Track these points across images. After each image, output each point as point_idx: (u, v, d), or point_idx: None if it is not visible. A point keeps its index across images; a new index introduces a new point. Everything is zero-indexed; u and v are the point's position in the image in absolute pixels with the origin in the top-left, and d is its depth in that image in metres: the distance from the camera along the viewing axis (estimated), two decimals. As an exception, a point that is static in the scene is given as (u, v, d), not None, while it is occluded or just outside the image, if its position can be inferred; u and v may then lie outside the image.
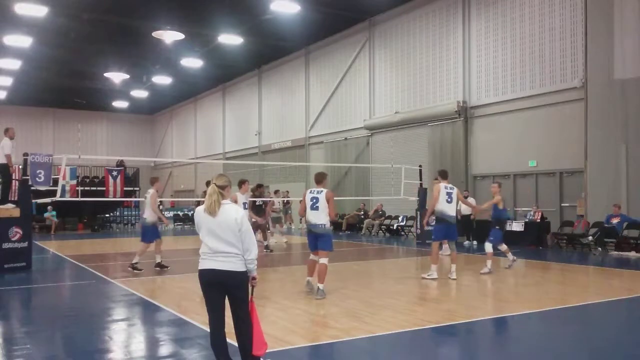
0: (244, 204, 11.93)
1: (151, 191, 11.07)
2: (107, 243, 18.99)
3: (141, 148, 44.99)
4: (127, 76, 30.35)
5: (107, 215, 27.64)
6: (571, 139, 15.90)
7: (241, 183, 12.25)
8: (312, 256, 8.50)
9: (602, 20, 14.86)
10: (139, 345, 5.87)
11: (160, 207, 26.34)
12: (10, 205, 11.86)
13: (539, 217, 15.79)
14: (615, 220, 13.92)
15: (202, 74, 31.15)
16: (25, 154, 11.98)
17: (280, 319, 6.74)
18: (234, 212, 4.34)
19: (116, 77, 30.43)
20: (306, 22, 22.47)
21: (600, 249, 13.95)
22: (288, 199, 18.85)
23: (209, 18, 21.83)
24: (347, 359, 5.42)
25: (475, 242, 16.22)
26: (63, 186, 14.31)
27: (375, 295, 8.30)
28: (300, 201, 8.64)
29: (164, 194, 41.24)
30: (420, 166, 18.69)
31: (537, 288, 9.13)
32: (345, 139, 24.81)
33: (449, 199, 10.03)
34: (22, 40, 22.77)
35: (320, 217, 8.21)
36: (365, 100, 23.81)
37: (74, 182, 18.91)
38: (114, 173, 18.66)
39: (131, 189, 25.57)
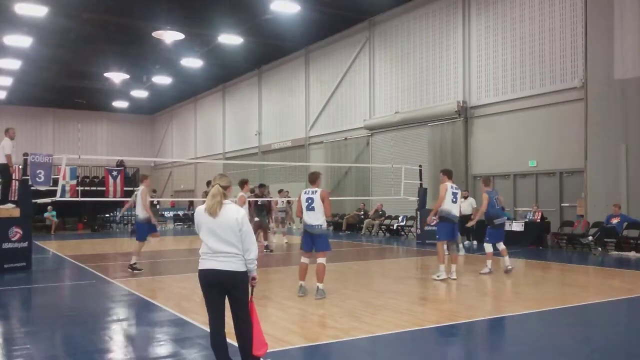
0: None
1: (141, 188, 11.10)
2: (107, 243, 18.99)
3: (141, 148, 44.99)
4: (127, 76, 30.35)
5: (107, 215, 27.65)
6: (571, 139, 15.90)
7: (243, 183, 12.27)
8: (303, 259, 8.38)
9: (602, 20, 14.86)
10: (139, 345, 5.86)
11: (158, 206, 26.39)
12: (10, 205, 11.87)
13: (539, 217, 15.79)
14: (615, 220, 13.92)
15: (202, 74, 31.15)
16: (25, 154, 11.98)
17: (280, 319, 6.74)
18: (235, 212, 4.34)
19: (116, 77, 30.42)
20: (306, 22, 22.47)
21: (600, 249, 13.95)
22: (290, 199, 18.86)
23: (209, 18, 21.83)
24: (347, 359, 5.41)
25: (475, 242, 16.23)
26: (63, 186, 14.31)
27: (375, 295, 8.29)
28: (289, 202, 8.64)
29: (164, 194, 41.29)
30: (420, 166, 18.70)
31: (537, 288, 9.13)
32: (345, 139, 24.82)
33: (454, 199, 9.98)
34: (22, 40, 22.75)
35: (317, 218, 8.17)
36: (365, 100, 23.81)
37: (74, 182, 18.89)
38: (114, 173, 18.66)
39: (131, 189, 25.48)
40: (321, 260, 8.20)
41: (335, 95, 25.72)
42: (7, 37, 22.51)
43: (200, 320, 6.38)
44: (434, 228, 12.17)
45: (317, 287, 8.12)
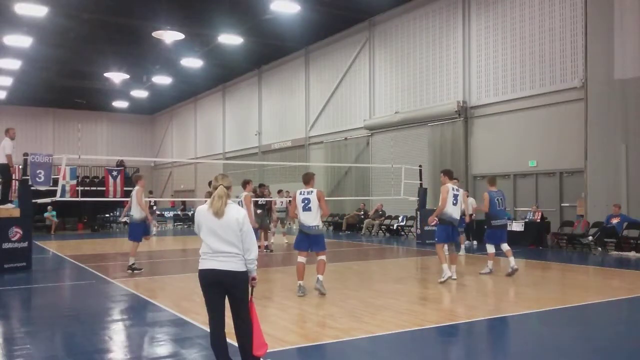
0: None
1: (136, 188, 11.09)
2: (107, 243, 18.98)
3: (141, 148, 45.00)
4: (127, 76, 30.35)
5: (107, 215, 27.65)
6: (571, 139, 15.90)
7: (245, 183, 12.24)
8: (300, 258, 8.42)
9: (602, 20, 14.86)
10: (139, 345, 5.86)
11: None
12: (10, 205, 11.87)
13: (539, 217, 15.79)
14: (615, 220, 13.92)
15: (202, 74, 31.16)
16: (25, 154, 11.98)
17: (280, 319, 6.74)
18: (236, 212, 4.34)
19: (116, 77, 30.43)
20: (306, 22, 22.47)
21: (600, 249, 13.96)
22: (290, 199, 18.78)
23: (209, 18, 21.84)
24: (347, 359, 5.41)
25: (475, 242, 16.23)
26: (63, 186, 14.31)
27: (375, 295, 8.29)
28: (290, 202, 8.65)
29: (164, 194, 41.29)
30: (420, 166, 18.70)
31: (537, 288, 9.13)
32: (345, 139, 24.82)
33: (455, 201, 9.84)
34: (22, 40, 22.76)
35: (315, 219, 8.24)
36: (365, 100, 23.81)
37: (74, 182, 18.88)
38: (114, 173, 18.64)
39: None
40: (322, 257, 8.32)
41: (335, 95, 25.72)
42: (7, 37, 22.51)
43: (200, 320, 6.38)
44: (434, 228, 12.13)
45: (318, 277, 8.23)
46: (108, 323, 6.88)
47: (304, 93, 27.83)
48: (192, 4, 20.62)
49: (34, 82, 32.62)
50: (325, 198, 8.61)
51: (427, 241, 16.34)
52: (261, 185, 16.68)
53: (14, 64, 27.42)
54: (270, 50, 27.70)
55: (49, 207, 23.50)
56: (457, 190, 10.07)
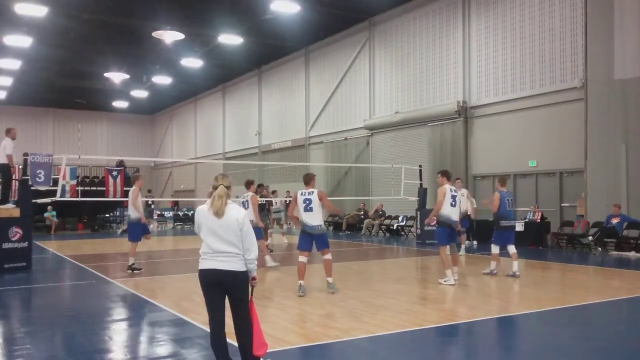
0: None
1: (132, 187, 11.08)
2: (107, 243, 18.98)
3: (141, 148, 45.00)
4: (127, 76, 30.35)
5: (107, 215, 27.64)
6: (571, 139, 15.90)
7: (249, 183, 12.15)
8: (301, 258, 8.47)
9: (602, 20, 14.86)
10: (139, 345, 5.86)
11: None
12: (10, 205, 11.86)
13: (539, 217, 15.79)
14: (615, 220, 13.92)
15: (202, 74, 31.16)
16: (25, 154, 11.98)
17: (280, 319, 6.74)
18: (236, 212, 4.34)
19: (116, 77, 30.43)
20: (306, 22, 22.47)
21: (600, 249, 13.95)
22: (290, 198, 18.74)
23: (209, 18, 21.84)
24: (347, 359, 5.41)
25: (475, 242, 16.22)
26: (63, 186, 14.31)
27: (375, 295, 8.29)
28: (289, 202, 8.70)
29: (164, 194, 41.29)
30: (420, 166, 18.70)
31: (537, 288, 9.13)
32: (345, 139, 24.82)
33: (453, 202, 9.64)
34: (22, 40, 22.76)
35: (317, 218, 8.38)
36: (365, 100, 23.81)
37: (74, 182, 18.87)
38: (114, 173, 18.62)
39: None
40: (327, 256, 8.48)
41: (335, 95, 25.72)
42: (7, 37, 22.52)
43: (200, 320, 6.38)
44: (434, 228, 12.10)
45: (328, 281, 8.45)
46: (108, 323, 6.88)
47: (304, 93, 27.83)
48: (192, 4, 20.62)
49: (34, 82, 32.63)
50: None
51: (427, 241, 16.34)
52: (260, 186, 16.68)
53: (14, 64, 27.43)
54: (270, 50, 27.70)
55: (49, 207, 23.50)
56: (456, 191, 9.93)
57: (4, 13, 20.41)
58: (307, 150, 27.51)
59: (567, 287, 9.53)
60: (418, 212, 17.70)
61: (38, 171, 11.97)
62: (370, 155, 23.48)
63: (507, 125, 17.89)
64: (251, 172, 28.72)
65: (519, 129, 17.47)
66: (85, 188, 22.75)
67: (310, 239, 8.42)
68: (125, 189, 20.12)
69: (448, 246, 9.85)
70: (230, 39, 23.63)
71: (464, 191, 13.85)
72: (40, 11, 19.48)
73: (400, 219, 20.95)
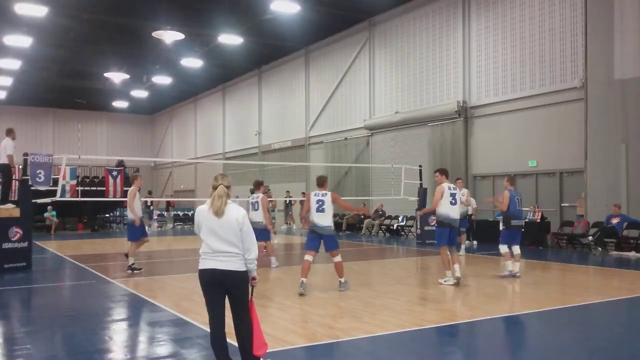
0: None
1: (131, 188, 11.06)
2: (107, 243, 18.99)
3: (141, 148, 44.98)
4: (127, 76, 30.34)
5: (107, 215, 27.64)
6: (571, 139, 15.90)
7: (259, 184, 12.09)
8: (307, 257, 8.60)
9: (602, 20, 14.86)
10: (139, 345, 5.87)
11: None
12: (10, 205, 11.86)
13: (539, 217, 15.79)
14: (615, 220, 13.92)
15: (202, 74, 31.15)
16: (26, 154, 11.98)
17: (280, 319, 6.74)
18: (236, 212, 4.34)
19: (116, 77, 30.41)
20: (306, 22, 22.47)
21: (600, 249, 13.95)
22: (291, 198, 18.80)
23: (209, 18, 21.83)
24: (347, 359, 5.41)
25: (475, 242, 16.23)
26: (63, 186, 14.30)
27: (375, 295, 8.30)
28: (302, 202, 8.80)
29: (164, 194, 41.26)
30: (420, 166, 18.70)
31: (537, 288, 9.13)
32: (345, 139, 24.81)
33: (453, 201, 9.52)
34: (22, 40, 22.75)
35: (327, 219, 8.62)
36: (365, 100, 23.81)
37: (74, 182, 18.88)
38: (114, 173, 18.62)
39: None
40: (337, 259, 8.67)
41: (335, 95, 25.71)
42: (7, 37, 22.50)
43: (200, 320, 6.38)
44: (434, 228, 12.05)
45: (340, 281, 8.68)
46: (108, 323, 6.88)
47: (303, 93, 27.83)
48: (192, 4, 20.62)
49: (34, 82, 32.62)
50: None
51: (427, 241, 16.34)
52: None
53: (14, 64, 27.40)
54: (270, 50, 27.70)
55: (49, 207, 23.50)
56: (455, 189, 9.85)
57: (4, 13, 20.41)
58: (307, 150, 27.50)
59: (567, 287, 9.53)
60: (418, 212, 17.69)
61: (38, 171, 11.97)
62: (370, 155, 23.48)
63: (507, 125, 17.89)
64: (251, 172, 28.73)
65: (519, 129, 17.47)
66: (85, 188, 22.76)
67: (319, 240, 8.60)
68: (125, 189, 20.15)
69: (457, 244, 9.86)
70: (230, 39, 23.62)
71: (465, 191, 13.85)
72: (40, 11, 19.47)
73: (400, 219, 20.95)
